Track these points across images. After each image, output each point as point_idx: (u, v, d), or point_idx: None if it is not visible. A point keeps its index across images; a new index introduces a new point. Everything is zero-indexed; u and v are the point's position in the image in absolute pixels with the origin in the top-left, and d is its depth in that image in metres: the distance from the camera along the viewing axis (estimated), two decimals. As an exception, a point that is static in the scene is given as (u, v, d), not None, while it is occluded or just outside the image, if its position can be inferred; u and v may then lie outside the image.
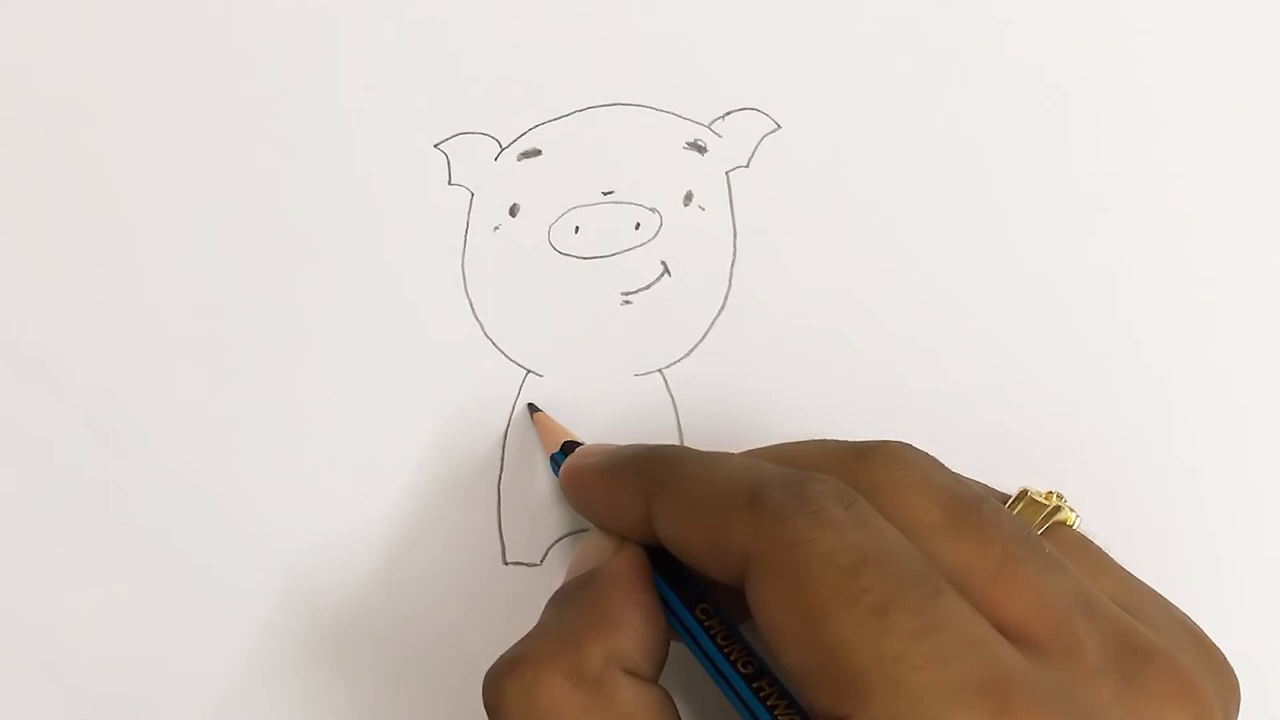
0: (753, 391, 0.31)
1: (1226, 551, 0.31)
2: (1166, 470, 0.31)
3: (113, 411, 0.30)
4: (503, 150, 0.30)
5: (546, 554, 0.30)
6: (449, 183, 0.30)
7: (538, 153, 0.30)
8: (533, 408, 0.30)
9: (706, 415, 0.31)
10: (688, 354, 0.31)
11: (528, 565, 0.30)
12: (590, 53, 0.31)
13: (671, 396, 0.31)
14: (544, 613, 0.25)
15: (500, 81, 0.30)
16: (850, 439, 0.25)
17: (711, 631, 0.24)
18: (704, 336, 0.31)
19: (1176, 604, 0.24)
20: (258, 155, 0.30)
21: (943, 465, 0.24)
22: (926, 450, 0.24)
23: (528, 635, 0.24)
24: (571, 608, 0.24)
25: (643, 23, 0.31)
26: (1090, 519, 0.26)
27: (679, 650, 0.25)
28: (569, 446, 0.28)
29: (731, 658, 0.23)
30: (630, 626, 0.24)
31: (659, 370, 0.31)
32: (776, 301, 0.31)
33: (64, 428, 0.29)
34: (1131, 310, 0.31)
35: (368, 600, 0.30)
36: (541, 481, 0.30)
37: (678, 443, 0.30)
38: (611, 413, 0.30)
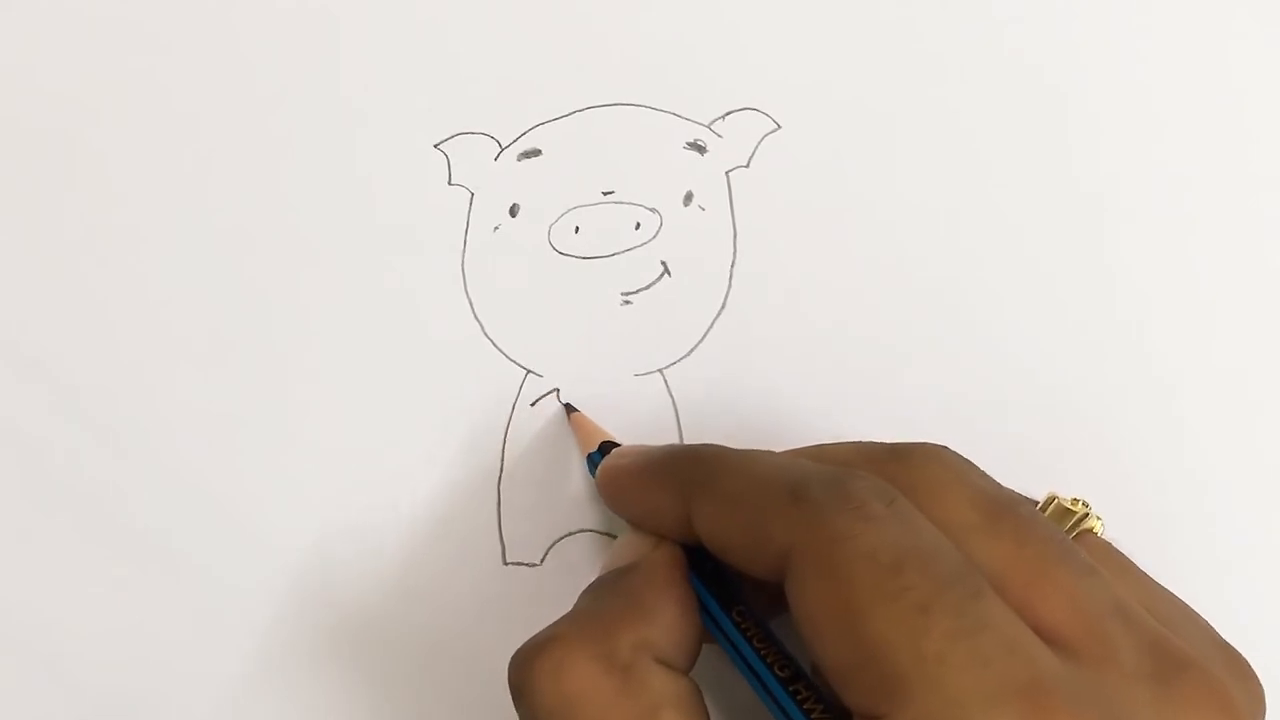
0: (753, 391, 0.31)
1: (1232, 553, 0.31)
2: (1168, 468, 0.31)
3: (113, 411, 0.30)
4: (503, 150, 0.30)
5: (546, 554, 0.30)
6: (449, 183, 0.30)
7: (538, 153, 0.30)
8: (570, 408, 0.30)
9: (706, 415, 0.31)
10: (688, 354, 0.31)
11: (528, 565, 0.30)
12: (590, 53, 0.31)
13: (671, 396, 0.31)
14: (578, 601, 0.25)
15: (500, 81, 0.30)
16: (876, 440, 0.25)
17: (748, 633, 0.24)
18: (704, 336, 0.31)
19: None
20: (258, 155, 0.30)
21: (978, 467, 0.24)
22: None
23: (559, 620, 0.24)
24: (607, 595, 0.24)
25: (643, 23, 0.31)
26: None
27: (706, 651, 0.25)
28: (606, 447, 0.28)
29: (768, 660, 0.23)
30: (664, 617, 0.24)
31: (659, 370, 0.31)
32: (777, 302, 0.31)
33: (64, 428, 0.29)
34: (1132, 310, 0.31)
35: (367, 600, 0.30)
36: (541, 481, 0.30)
37: (678, 443, 0.30)
38: (611, 413, 0.30)
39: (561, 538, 0.30)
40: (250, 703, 0.30)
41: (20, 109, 0.30)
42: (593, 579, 0.25)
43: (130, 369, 0.30)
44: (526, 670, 0.23)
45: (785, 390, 0.31)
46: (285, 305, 0.30)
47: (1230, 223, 0.32)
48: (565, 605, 0.29)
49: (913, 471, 0.23)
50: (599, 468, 0.28)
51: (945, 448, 0.24)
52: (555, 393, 0.30)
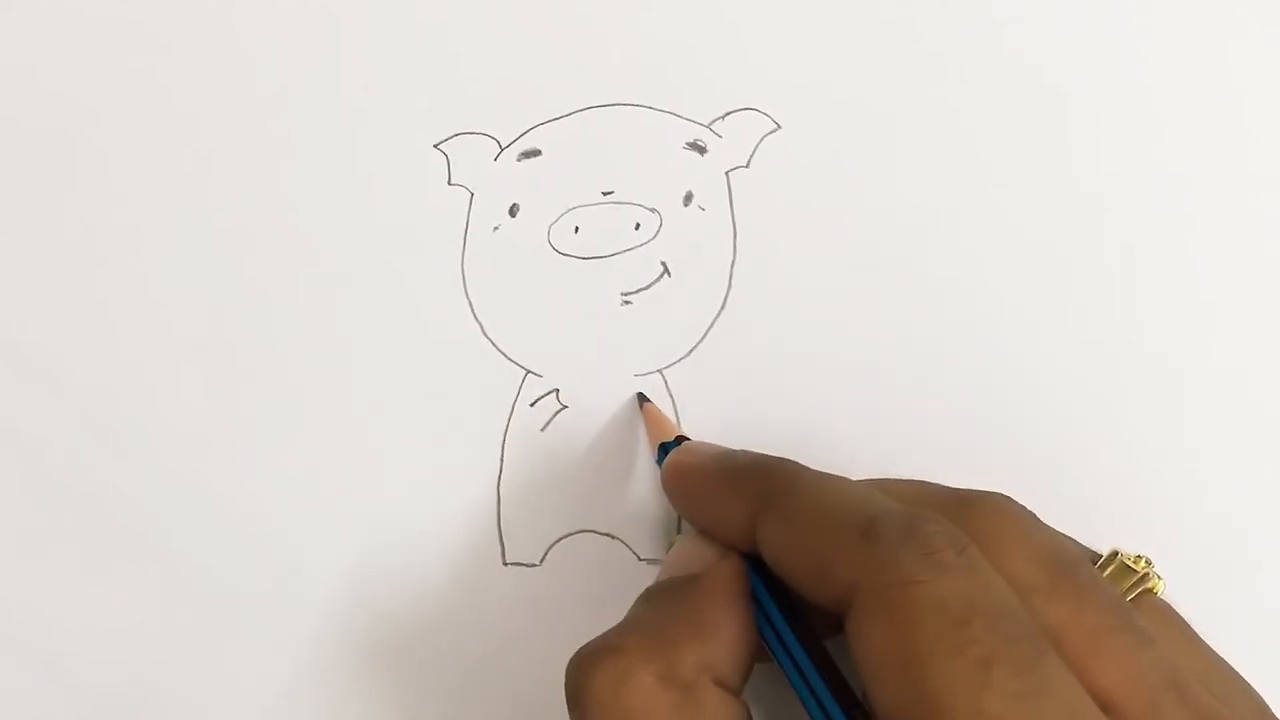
0: (753, 391, 0.31)
1: (1232, 550, 0.31)
2: (1168, 469, 0.31)
3: (113, 411, 0.30)
4: (503, 150, 0.30)
5: (546, 554, 0.30)
6: (449, 183, 0.30)
7: (538, 153, 0.30)
8: (642, 398, 0.30)
9: (706, 415, 0.31)
10: (688, 354, 0.31)
11: (527, 565, 0.30)
12: (590, 53, 0.31)
13: (671, 397, 0.31)
14: (636, 606, 0.25)
15: (500, 81, 0.30)
16: (938, 482, 0.25)
17: (811, 653, 0.24)
18: (704, 336, 0.31)
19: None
20: (258, 155, 0.30)
21: (1041, 521, 0.24)
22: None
23: (619, 626, 0.24)
24: (670, 607, 0.24)
25: (643, 23, 0.31)
26: (1089, 516, 0.26)
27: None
28: (680, 441, 0.28)
29: (830, 684, 0.23)
30: (725, 637, 0.24)
31: (659, 370, 0.31)
32: (776, 302, 0.31)
33: (64, 428, 0.29)
34: (1131, 310, 0.31)
35: (367, 600, 0.30)
36: (541, 481, 0.30)
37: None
38: (612, 413, 0.30)
39: (561, 538, 0.30)
40: (249, 702, 0.30)
41: (20, 109, 0.30)
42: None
43: (130, 369, 0.30)
44: (586, 679, 0.23)
45: (785, 390, 0.31)
46: (285, 305, 0.30)
47: (1230, 223, 0.32)
48: (565, 605, 0.29)
49: (976, 521, 0.23)
50: (666, 461, 0.28)
51: (1010, 498, 0.24)
52: (555, 393, 0.30)
